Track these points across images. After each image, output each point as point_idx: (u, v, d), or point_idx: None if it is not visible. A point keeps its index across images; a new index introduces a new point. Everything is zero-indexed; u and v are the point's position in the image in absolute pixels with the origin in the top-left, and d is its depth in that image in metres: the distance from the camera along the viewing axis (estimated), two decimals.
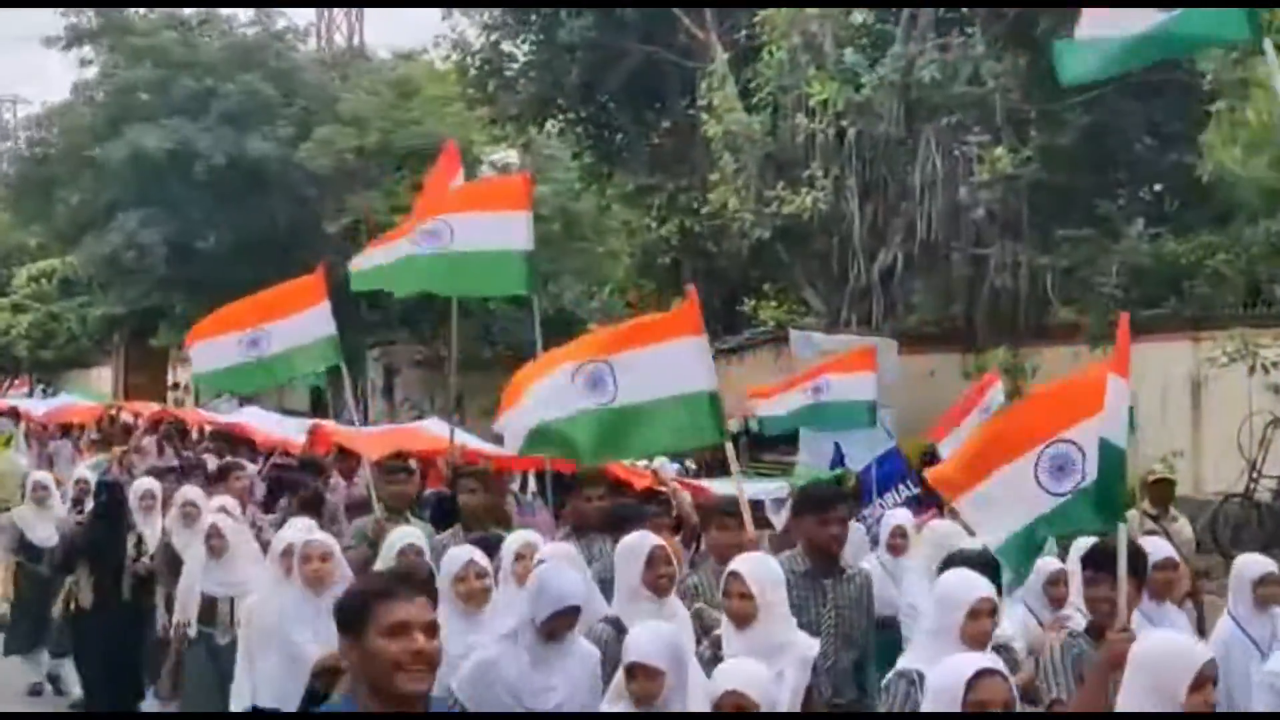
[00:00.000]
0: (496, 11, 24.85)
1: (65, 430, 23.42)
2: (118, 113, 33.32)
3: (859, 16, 20.29)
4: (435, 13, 26.15)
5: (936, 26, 20.24)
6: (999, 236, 19.99)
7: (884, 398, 18.70)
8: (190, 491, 10.46)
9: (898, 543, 9.53)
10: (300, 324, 10.50)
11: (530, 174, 15.73)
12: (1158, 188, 23.56)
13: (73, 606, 10.66)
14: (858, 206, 20.09)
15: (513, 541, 7.30)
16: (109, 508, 10.77)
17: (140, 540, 10.61)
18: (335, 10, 47.11)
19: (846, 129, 19.60)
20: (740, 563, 6.05)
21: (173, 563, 9.72)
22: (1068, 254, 20.19)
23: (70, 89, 36.91)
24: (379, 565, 7.45)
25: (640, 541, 6.42)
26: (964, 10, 20.51)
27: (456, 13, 25.66)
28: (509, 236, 9.45)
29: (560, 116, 26.49)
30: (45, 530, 12.04)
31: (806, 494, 7.62)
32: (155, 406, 24.34)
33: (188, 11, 35.28)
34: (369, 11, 47.52)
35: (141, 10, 34.91)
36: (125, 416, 21.86)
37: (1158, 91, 20.49)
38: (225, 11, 35.75)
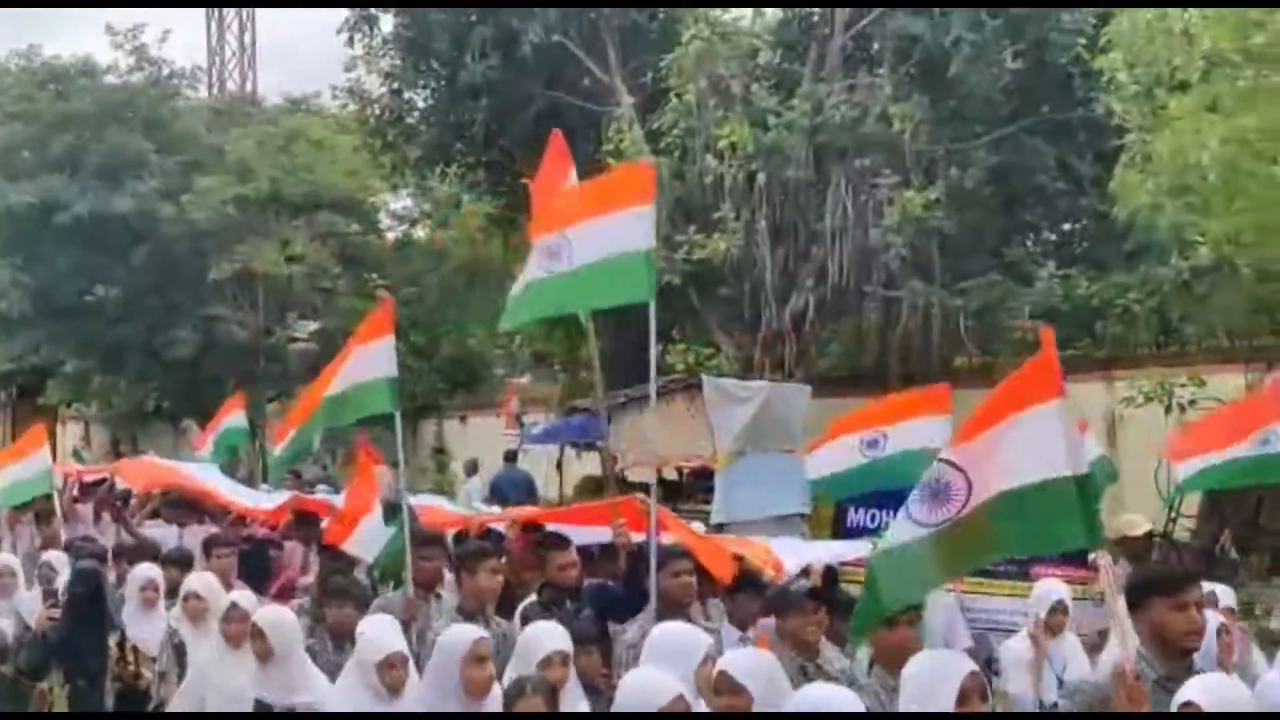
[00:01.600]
0: (397, 59, 24.75)
1: None
2: None
3: (765, 55, 20.43)
4: (333, 62, 26.00)
5: (844, 66, 20.45)
6: (910, 279, 20.16)
7: (796, 443, 18.97)
8: (202, 580, 9.16)
9: (1059, 621, 8.57)
10: (364, 361, 9.74)
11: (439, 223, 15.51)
12: (1067, 226, 23.95)
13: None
14: (769, 250, 20.18)
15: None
16: (87, 601, 9.14)
17: (123, 640, 9.21)
18: (227, 54, 46.84)
19: (756, 172, 19.71)
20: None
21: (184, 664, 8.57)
22: (979, 295, 20.42)
23: None
24: (513, 670, 6.52)
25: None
26: (873, 48, 20.75)
27: (359, 62, 25.51)
28: (630, 238, 8.54)
29: (461, 162, 26.40)
30: (3, 624, 10.21)
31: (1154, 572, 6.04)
32: (76, 465, 21.46)
33: (67, 58, 34.82)
34: (263, 58, 47.28)
35: (14, 64, 34.49)
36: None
37: (1065, 130, 20.84)
38: (105, 60, 35.33)
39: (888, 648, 6.45)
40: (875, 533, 11.59)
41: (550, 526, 10.09)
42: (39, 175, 31.62)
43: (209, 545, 10.98)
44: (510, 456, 24.56)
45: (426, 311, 33.69)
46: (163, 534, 13.66)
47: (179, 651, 8.63)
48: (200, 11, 47.64)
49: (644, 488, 20.37)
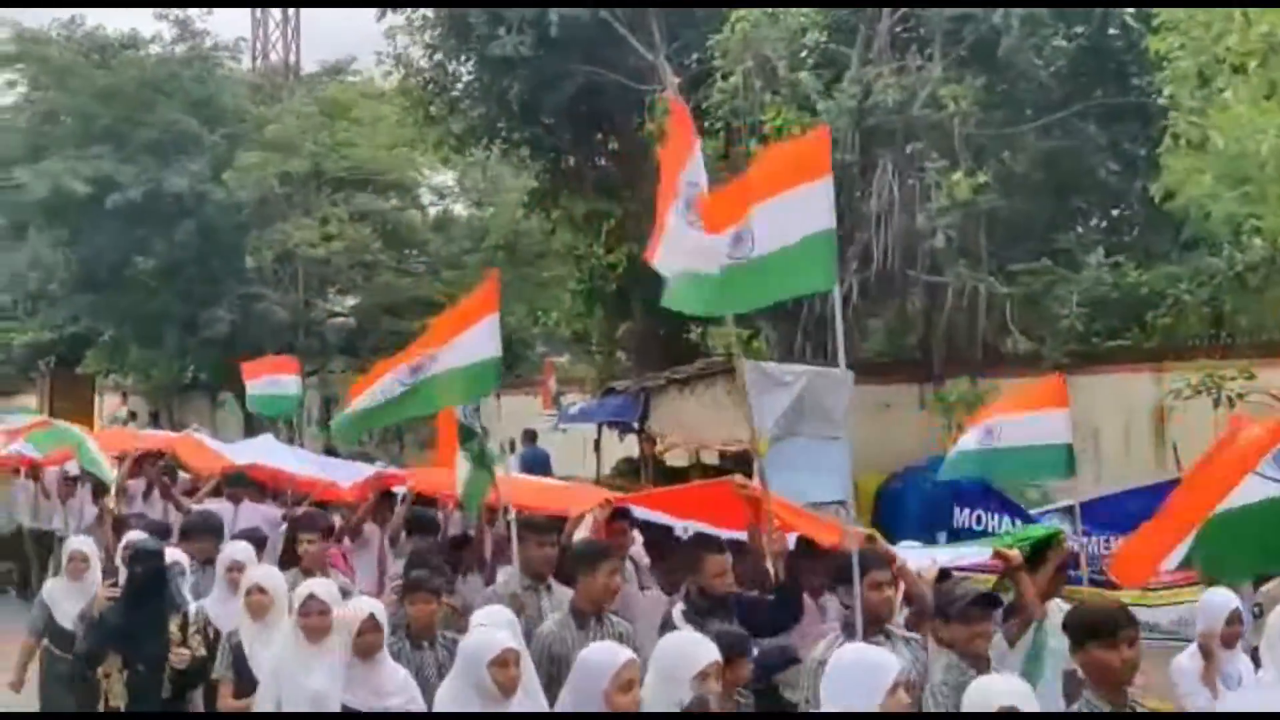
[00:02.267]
0: (438, 31, 24.69)
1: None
2: (39, 140, 33.10)
3: (813, 36, 20.27)
4: (375, 29, 25.93)
5: (893, 47, 20.27)
6: (956, 264, 20.00)
7: (838, 430, 18.86)
8: (266, 573, 8.51)
9: (1233, 632, 7.82)
10: (471, 342, 9.16)
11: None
12: (1117, 213, 23.72)
13: (103, 708, 8.66)
14: None
15: None
16: (147, 581, 8.70)
17: (185, 622, 8.68)
18: (270, 26, 46.84)
19: None
20: None
21: (242, 669, 7.94)
22: (1027, 282, 20.25)
23: None
24: (658, 681, 5.89)
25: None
26: (921, 30, 20.55)
27: (400, 33, 25.47)
28: (812, 217, 7.56)
29: (504, 139, 26.34)
30: (78, 609, 9.60)
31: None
32: (137, 434, 20.70)
33: (110, 32, 34.97)
34: (306, 26, 47.26)
35: (57, 33, 34.63)
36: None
37: (1118, 114, 20.62)
38: (149, 31, 35.48)
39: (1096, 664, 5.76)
40: (981, 535, 11.36)
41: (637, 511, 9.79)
42: (84, 147, 31.81)
43: (295, 528, 10.37)
44: (531, 436, 24.61)
45: (467, 289, 33.63)
46: (216, 510, 13.08)
47: (238, 656, 7.97)
48: None
49: (682, 471, 20.52)
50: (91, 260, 32.17)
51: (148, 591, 8.64)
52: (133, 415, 40.17)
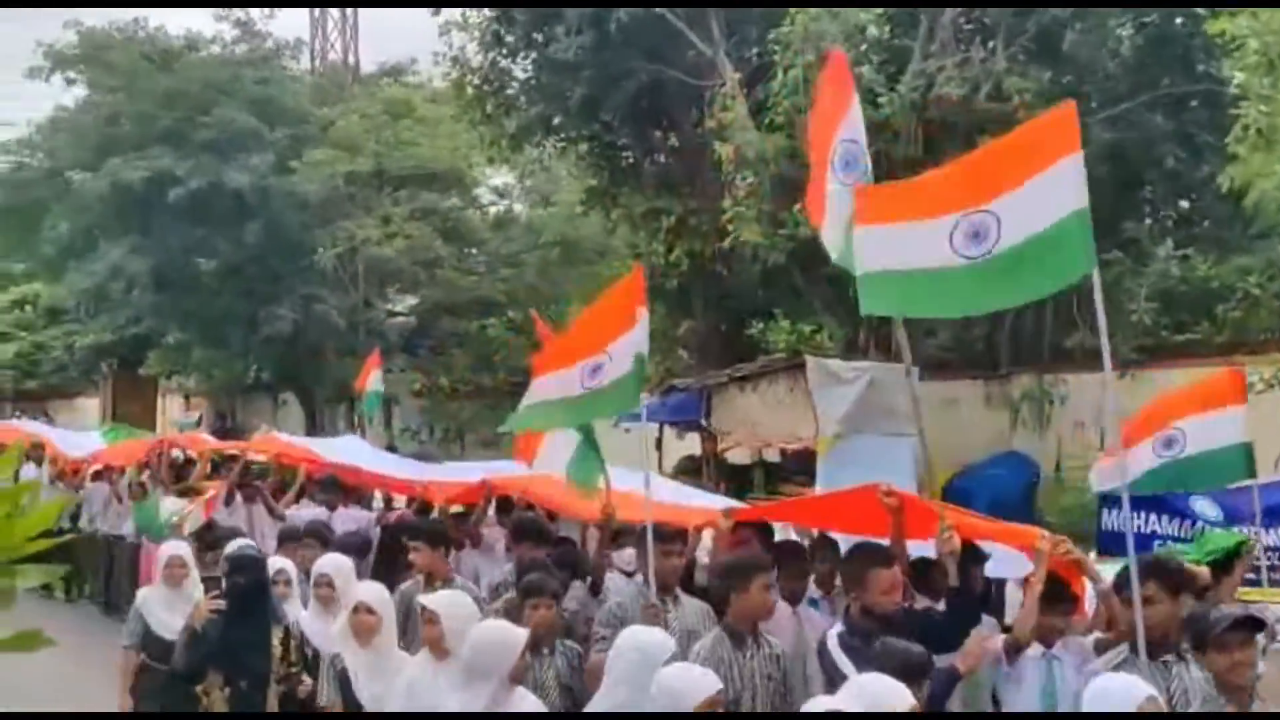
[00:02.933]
0: (495, 30, 24.77)
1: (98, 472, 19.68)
2: (101, 141, 33.50)
3: (875, 31, 20.16)
4: (432, 28, 26.04)
5: (956, 40, 20.14)
6: None
7: (903, 426, 18.78)
8: (372, 591, 7.78)
9: None
10: (630, 342, 8.68)
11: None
12: (1186, 204, 23.47)
13: None
14: None
15: None
16: (249, 594, 8.19)
17: (288, 637, 8.24)
18: (329, 26, 47.16)
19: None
20: None
21: (349, 698, 7.38)
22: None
23: (53, 111, 37.04)
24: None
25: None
26: (986, 21, 20.41)
27: (454, 29, 25.57)
28: (1063, 198, 6.68)
29: (561, 136, 26.39)
30: (177, 620, 8.94)
31: None
32: (209, 439, 20.09)
33: (173, 32, 35.40)
34: (363, 26, 47.56)
35: (118, 32, 35.05)
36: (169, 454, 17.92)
37: (1185, 103, 20.42)
38: (210, 31, 35.86)
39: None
40: (1152, 541, 10.38)
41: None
42: (147, 147, 32.21)
43: (393, 534, 10.03)
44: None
45: (525, 288, 33.85)
46: (310, 516, 12.90)
47: (344, 682, 7.40)
48: None
49: (745, 469, 20.49)
50: (156, 260, 32.52)
51: (250, 604, 8.15)
52: (200, 420, 40.59)
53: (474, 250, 34.84)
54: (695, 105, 22.83)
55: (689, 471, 21.64)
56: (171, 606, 9.13)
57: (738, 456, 21.25)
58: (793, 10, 19.85)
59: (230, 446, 16.34)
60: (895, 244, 7.27)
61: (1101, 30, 19.29)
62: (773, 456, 20.69)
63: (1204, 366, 18.90)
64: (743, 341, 25.62)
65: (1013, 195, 6.84)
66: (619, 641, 5.91)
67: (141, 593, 9.68)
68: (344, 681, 7.36)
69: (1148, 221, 22.55)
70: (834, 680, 6.39)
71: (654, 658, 5.59)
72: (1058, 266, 6.81)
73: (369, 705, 7.13)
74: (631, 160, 25.85)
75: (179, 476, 16.50)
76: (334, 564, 8.48)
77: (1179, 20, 19.58)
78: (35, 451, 19.75)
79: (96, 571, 19.16)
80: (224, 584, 8.38)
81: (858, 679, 5.37)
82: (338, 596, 8.02)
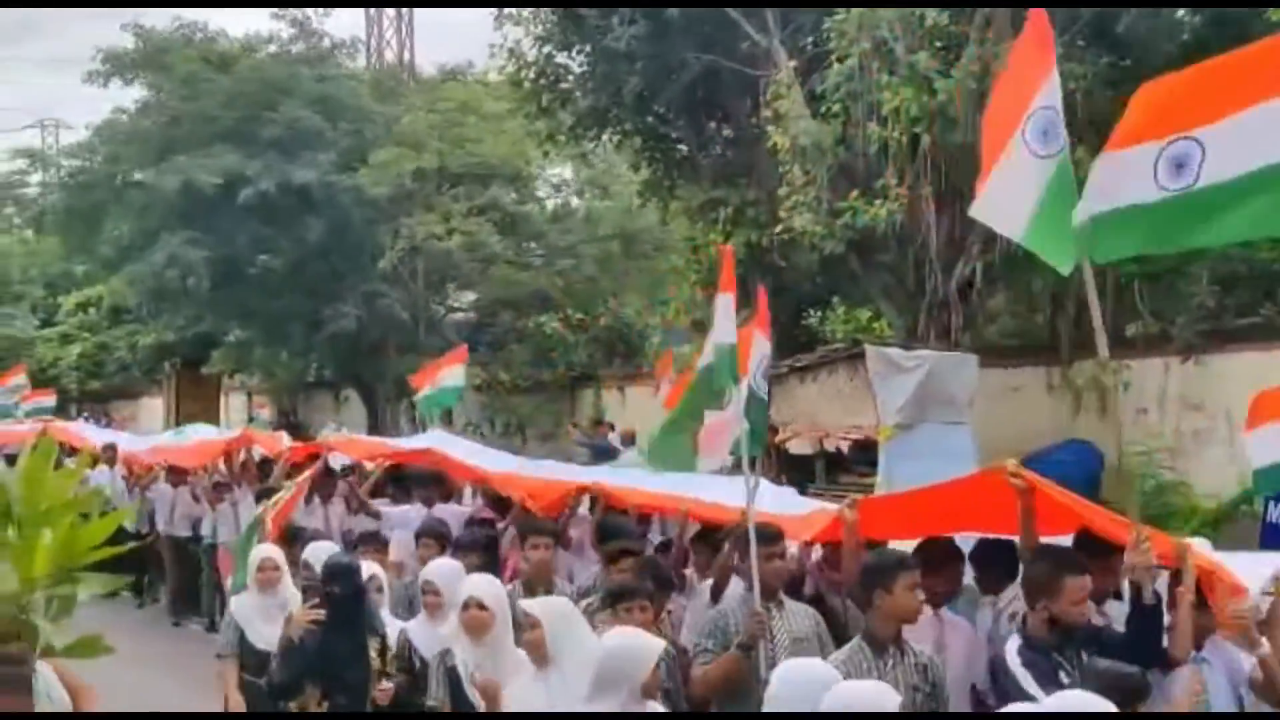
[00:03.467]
0: (549, 23, 24.91)
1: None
2: (163, 143, 33.92)
3: (930, 18, 20.15)
4: (486, 24, 26.24)
5: (1012, 24, 20.09)
6: None
7: (963, 415, 18.80)
8: (484, 585, 7.36)
9: None
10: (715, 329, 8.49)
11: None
12: None
13: None
14: (934, 217, 19.95)
15: None
16: (346, 603, 7.77)
17: (385, 648, 7.88)
18: (385, 25, 47.49)
19: (921, 136, 19.49)
20: None
21: (459, 695, 7.01)
22: (1155, 261, 19.99)
23: (111, 112, 37.53)
24: None
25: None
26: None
27: (508, 23, 25.73)
28: (1273, 142, 5.84)
29: (617, 129, 26.50)
30: (272, 630, 8.41)
31: None
32: (284, 440, 18.14)
33: (234, 34, 35.87)
34: (419, 24, 47.85)
35: (177, 36, 35.52)
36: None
37: None
38: (267, 30, 36.26)
39: None
40: None
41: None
42: (211, 146, 32.62)
43: (523, 533, 9.48)
44: (630, 438, 24.74)
45: (584, 280, 34.04)
46: (400, 514, 12.58)
47: (453, 679, 7.01)
48: None
49: (806, 460, 20.55)
50: (221, 259, 32.89)
51: (348, 614, 7.72)
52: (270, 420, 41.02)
53: (532, 244, 35.04)
54: (750, 95, 22.88)
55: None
56: (267, 614, 8.67)
57: (798, 447, 21.31)
58: None
59: (312, 448, 15.51)
60: (1106, 179, 6.43)
61: (1158, 13, 19.21)
62: (834, 447, 20.74)
63: (1266, 350, 18.86)
64: (801, 332, 25.70)
65: (1220, 126, 6.03)
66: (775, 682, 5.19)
67: (235, 600, 9.18)
68: (454, 680, 6.99)
69: None
70: (1010, 698, 5.84)
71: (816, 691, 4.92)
72: (1267, 215, 6.05)
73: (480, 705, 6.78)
74: (687, 152, 25.92)
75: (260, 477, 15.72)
76: (438, 570, 8.18)
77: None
78: (108, 453, 19.70)
79: (163, 575, 19.03)
80: (316, 593, 8.06)
81: (1064, 694, 4.80)
82: (444, 603, 7.75)
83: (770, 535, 7.78)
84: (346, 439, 16.30)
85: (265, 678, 8.11)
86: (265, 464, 15.98)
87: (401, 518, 12.40)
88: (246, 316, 35.88)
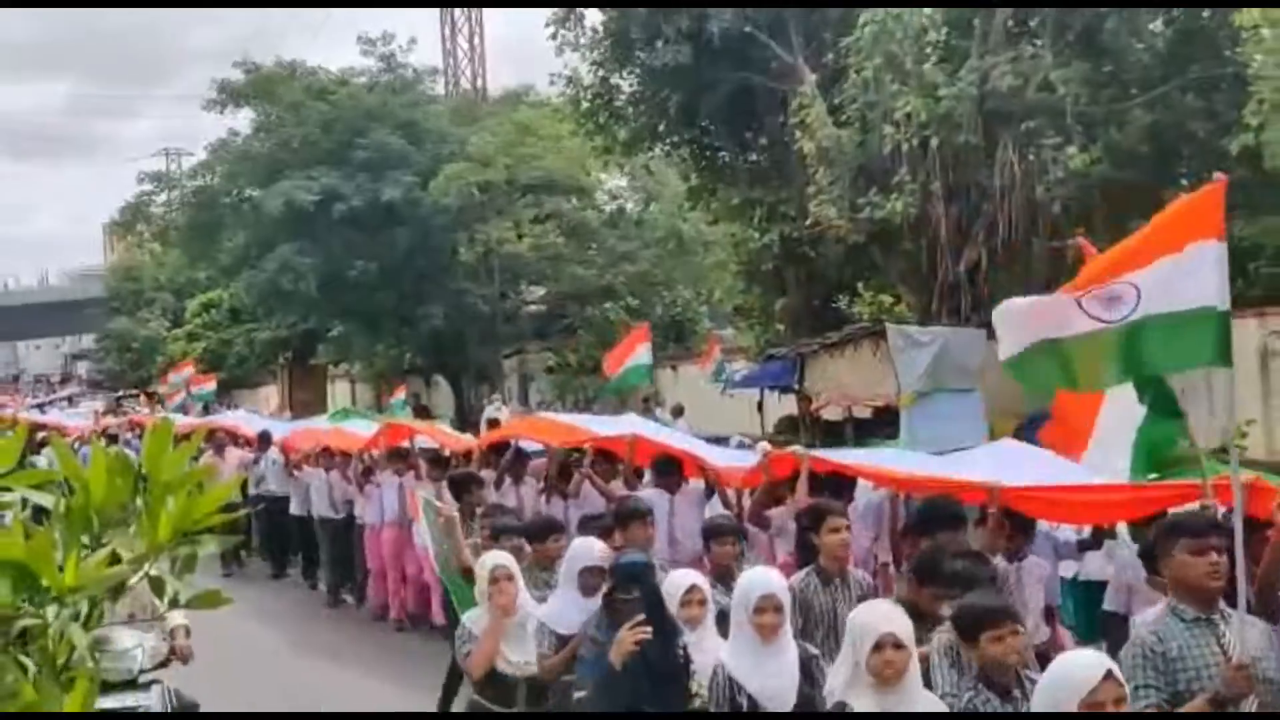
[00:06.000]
0: (602, 48, 25.14)
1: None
2: (272, 164, 34.62)
3: (934, 34, 20.29)
4: (548, 53, 26.49)
5: (1007, 38, 20.22)
6: (1075, 231, 19.90)
7: (973, 382, 18.98)
8: (699, 579, 6.25)
9: None
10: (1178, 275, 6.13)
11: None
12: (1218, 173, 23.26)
13: None
14: (943, 209, 20.14)
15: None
16: (654, 612, 5.70)
17: (686, 662, 5.76)
18: (460, 57, 48.03)
19: (930, 139, 19.67)
20: None
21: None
22: None
23: (227, 134, 38.25)
24: None
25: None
26: (1032, 23, 20.46)
27: (569, 50, 25.99)
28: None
29: (665, 142, 26.72)
30: (517, 654, 6.65)
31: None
32: (449, 430, 16.34)
33: (329, 66, 36.54)
34: (491, 53, 48.35)
35: (280, 67, 36.25)
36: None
37: (1214, 84, 20.28)
38: (359, 65, 36.87)
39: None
40: None
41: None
42: (312, 167, 33.31)
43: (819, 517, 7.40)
44: (679, 410, 24.94)
45: (640, 275, 34.42)
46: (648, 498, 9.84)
47: (733, 688, 5.50)
48: (434, 15, 49.16)
49: (837, 425, 20.79)
50: (323, 265, 33.60)
51: (660, 621, 5.67)
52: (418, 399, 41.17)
53: (593, 246, 35.38)
54: (780, 106, 23.09)
55: (788, 430, 22.00)
56: (508, 636, 6.63)
57: (830, 414, 21.54)
58: (860, 20, 20.08)
59: (498, 435, 13.62)
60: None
61: (1134, 23, 19.30)
62: (861, 413, 20.96)
63: (1239, 319, 18.89)
64: (831, 313, 25.89)
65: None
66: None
67: (468, 617, 6.83)
68: (732, 686, 5.50)
69: (1184, 191, 22.39)
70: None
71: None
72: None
73: (759, 699, 5.49)
74: (726, 159, 26.13)
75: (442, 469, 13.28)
76: (699, 576, 6.46)
77: (1205, 14, 19.47)
78: (264, 440, 18.12)
79: (300, 552, 17.31)
80: (613, 602, 5.97)
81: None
82: (703, 614, 6.09)
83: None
84: (549, 421, 13.93)
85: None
86: (438, 458, 13.57)
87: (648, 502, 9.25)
88: (347, 314, 36.58)
